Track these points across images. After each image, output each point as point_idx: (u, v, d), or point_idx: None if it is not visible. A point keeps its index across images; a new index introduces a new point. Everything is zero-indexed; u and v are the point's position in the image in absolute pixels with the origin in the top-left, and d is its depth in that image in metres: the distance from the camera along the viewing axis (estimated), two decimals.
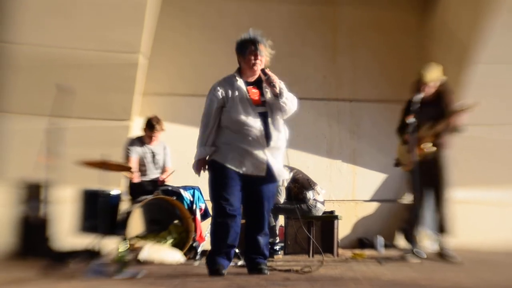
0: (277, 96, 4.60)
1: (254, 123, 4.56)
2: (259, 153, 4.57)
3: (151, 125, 6.75)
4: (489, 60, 7.32)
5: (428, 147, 5.80)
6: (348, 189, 8.57)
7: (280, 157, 4.73)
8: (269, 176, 4.63)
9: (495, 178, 8.11)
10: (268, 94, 4.68)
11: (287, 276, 4.45)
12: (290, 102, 4.66)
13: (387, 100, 8.52)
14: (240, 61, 4.75)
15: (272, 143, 4.59)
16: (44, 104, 5.59)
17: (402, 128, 5.99)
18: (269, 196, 4.74)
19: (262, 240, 4.69)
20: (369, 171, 8.61)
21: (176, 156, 7.19)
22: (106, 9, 6.84)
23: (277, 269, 4.84)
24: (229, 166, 4.58)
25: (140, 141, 6.84)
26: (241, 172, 4.57)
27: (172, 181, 6.77)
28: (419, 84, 5.87)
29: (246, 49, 4.67)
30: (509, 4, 6.95)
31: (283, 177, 4.81)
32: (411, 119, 5.73)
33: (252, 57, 4.65)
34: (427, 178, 5.81)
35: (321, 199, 6.64)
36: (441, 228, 5.74)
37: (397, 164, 6.17)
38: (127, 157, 6.70)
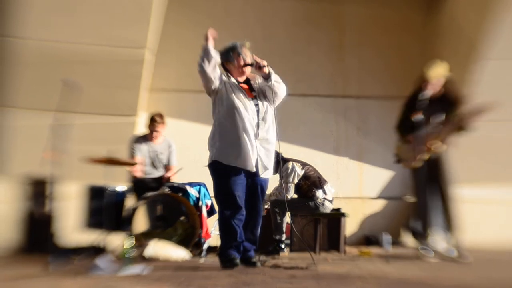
0: (267, 78, 4.88)
1: (249, 110, 4.83)
2: (251, 146, 4.77)
3: (151, 119, 6.77)
4: (497, 57, 7.28)
5: (437, 146, 5.71)
6: (355, 186, 8.55)
7: (271, 151, 4.94)
8: (259, 170, 4.85)
9: (502, 176, 8.05)
10: (258, 82, 4.97)
11: (293, 273, 4.42)
12: (280, 84, 4.94)
13: (393, 97, 8.48)
14: (229, 67, 5.02)
15: (261, 134, 4.84)
16: (50, 99, 5.57)
17: (404, 125, 5.89)
18: (264, 187, 4.97)
19: (256, 232, 4.95)
20: (375, 168, 8.59)
21: (182, 153, 7.18)
22: (112, 5, 6.84)
23: (282, 266, 4.83)
24: (232, 164, 4.79)
25: (145, 139, 6.82)
26: (242, 168, 4.79)
27: (177, 178, 6.74)
28: (422, 81, 5.80)
29: (232, 55, 4.98)
30: None
31: (269, 173, 4.99)
32: (418, 117, 5.66)
33: (241, 59, 4.96)
34: (431, 176, 5.75)
35: (330, 198, 6.61)
36: (449, 227, 5.68)
37: (398, 160, 6.07)
38: (132, 155, 6.68)
